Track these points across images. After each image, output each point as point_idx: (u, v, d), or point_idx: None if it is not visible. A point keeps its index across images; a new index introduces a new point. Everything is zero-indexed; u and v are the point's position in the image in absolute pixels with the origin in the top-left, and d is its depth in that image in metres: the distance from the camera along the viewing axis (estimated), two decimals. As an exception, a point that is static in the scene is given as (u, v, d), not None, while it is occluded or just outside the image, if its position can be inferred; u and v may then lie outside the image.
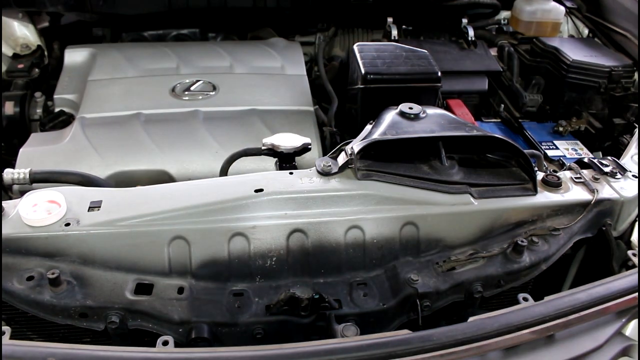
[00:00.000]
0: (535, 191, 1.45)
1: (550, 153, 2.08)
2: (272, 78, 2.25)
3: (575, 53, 2.31)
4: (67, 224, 1.24)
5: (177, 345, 1.10)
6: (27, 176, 1.51)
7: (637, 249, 1.47)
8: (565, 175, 1.55)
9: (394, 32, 2.64)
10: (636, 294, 1.21)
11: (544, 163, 1.67)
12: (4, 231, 1.23)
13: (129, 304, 1.21)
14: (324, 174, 1.40)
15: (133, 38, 2.79)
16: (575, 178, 1.53)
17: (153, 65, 2.26)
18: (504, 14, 2.96)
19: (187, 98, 2.06)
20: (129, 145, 1.81)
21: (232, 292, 1.28)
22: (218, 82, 2.15)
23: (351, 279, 1.34)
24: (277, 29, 2.88)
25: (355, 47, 2.04)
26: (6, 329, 1.06)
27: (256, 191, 1.32)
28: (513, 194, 1.44)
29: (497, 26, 2.96)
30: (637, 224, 1.52)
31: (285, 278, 1.33)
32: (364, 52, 2.01)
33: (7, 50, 2.44)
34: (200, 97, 2.07)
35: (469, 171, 1.46)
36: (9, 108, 2.09)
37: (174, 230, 1.27)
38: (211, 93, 2.10)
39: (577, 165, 1.60)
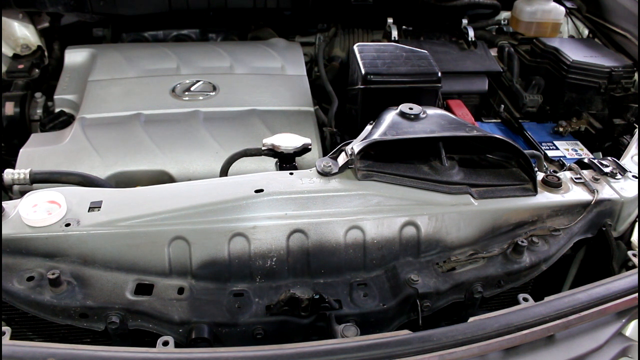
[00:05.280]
0: (535, 192, 1.45)
1: (550, 153, 2.08)
2: (272, 78, 2.25)
3: (575, 53, 2.31)
4: (68, 225, 1.25)
5: (177, 345, 1.10)
6: (28, 176, 1.51)
7: (637, 249, 1.47)
8: (565, 175, 1.55)
9: (394, 33, 2.64)
10: (636, 295, 1.21)
11: (544, 163, 1.68)
12: (4, 231, 1.23)
13: (129, 304, 1.21)
14: (324, 174, 1.40)
15: (133, 38, 2.80)
16: (576, 178, 1.53)
17: (153, 66, 2.26)
18: (504, 15, 2.97)
19: (187, 98, 2.06)
20: (129, 146, 1.81)
21: (232, 293, 1.28)
22: (218, 83, 2.16)
23: (351, 279, 1.34)
24: (277, 30, 2.88)
25: (356, 48, 2.04)
26: (6, 329, 1.06)
27: (256, 191, 1.32)
28: (513, 194, 1.44)
29: (497, 27, 2.96)
30: (637, 224, 1.52)
31: (286, 278, 1.33)
32: (364, 52, 2.01)
33: (8, 51, 2.45)
34: (201, 98, 2.07)
35: (469, 171, 1.47)
36: (9, 108, 2.10)
37: (174, 231, 1.27)
38: (211, 93, 2.10)
39: (577, 166, 1.60)
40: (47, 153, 1.77)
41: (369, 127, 1.52)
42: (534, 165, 1.46)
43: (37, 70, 2.37)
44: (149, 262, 1.28)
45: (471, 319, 1.11)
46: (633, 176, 1.56)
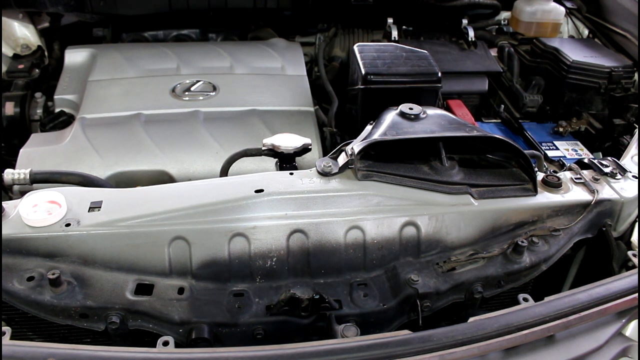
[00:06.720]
0: (535, 192, 1.45)
1: (550, 153, 2.08)
2: (272, 78, 2.25)
3: (575, 54, 2.31)
4: (68, 225, 1.25)
5: (177, 345, 1.10)
6: (28, 176, 1.52)
7: (637, 249, 1.47)
8: (565, 175, 1.55)
9: (394, 33, 2.64)
10: (636, 295, 1.21)
11: (544, 163, 1.68)
12: (4, 231, 1.23)
13: (130, 304, 1.21)
14: (324, 174, 1.40)
15: (133, 38, 2.79)
16: (576, 178, 1.53)
17: (153, 66, 2.26)
18: (504, 15, 2.97)
19: (187, 98, 2.06)
20: (129, 146, 1.81)
21: (233, 293, 1.28)
22: (218, 83, 2.16)
23: (351, 279, 1.34)
24: (278, 30, 2.88)
25: (356, 48, 2.04)
26: (6, 329, 1.06)
27: (256, 191, 1.32)
28: (513, 194, 1.44)
29: (497, 27, 2.96)
30: (637, 224, 1.52)
31: (286, 278, 1.33)
32: (364, 52, 2.01)
33: (8, 51, 2.45)
34: (201, 98, 2.07)
35: (470, 172, 1.47)
36: (9, 108, 2.10)
37: (175, 231, 1.27)
38: (211, 93, 2.10)
39: (577, 166, 1.60)
40: (47, 153, 1.77)
41: (369, 127, 1.52)
42: (534, 165, 1.46)
43: (37, 70, 2.37)
44: (149, 262, 1.28)
45: (471, 319, 1.11)
46: (633, 176, 1.56)
